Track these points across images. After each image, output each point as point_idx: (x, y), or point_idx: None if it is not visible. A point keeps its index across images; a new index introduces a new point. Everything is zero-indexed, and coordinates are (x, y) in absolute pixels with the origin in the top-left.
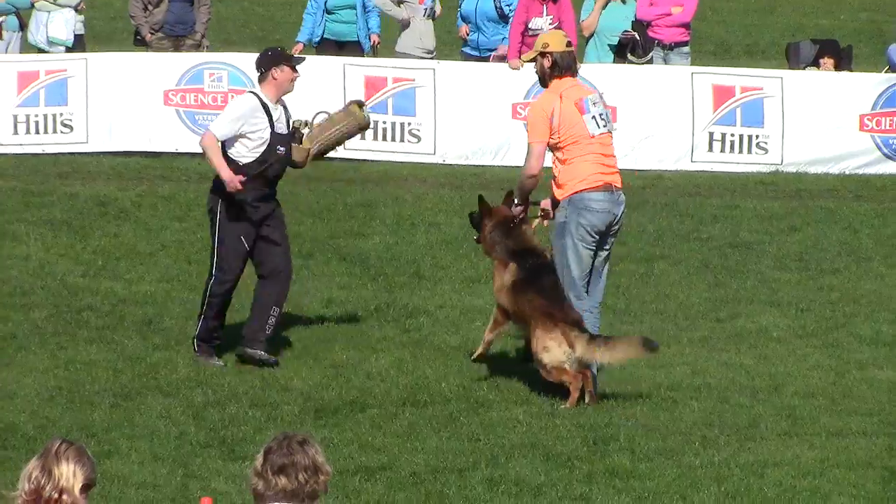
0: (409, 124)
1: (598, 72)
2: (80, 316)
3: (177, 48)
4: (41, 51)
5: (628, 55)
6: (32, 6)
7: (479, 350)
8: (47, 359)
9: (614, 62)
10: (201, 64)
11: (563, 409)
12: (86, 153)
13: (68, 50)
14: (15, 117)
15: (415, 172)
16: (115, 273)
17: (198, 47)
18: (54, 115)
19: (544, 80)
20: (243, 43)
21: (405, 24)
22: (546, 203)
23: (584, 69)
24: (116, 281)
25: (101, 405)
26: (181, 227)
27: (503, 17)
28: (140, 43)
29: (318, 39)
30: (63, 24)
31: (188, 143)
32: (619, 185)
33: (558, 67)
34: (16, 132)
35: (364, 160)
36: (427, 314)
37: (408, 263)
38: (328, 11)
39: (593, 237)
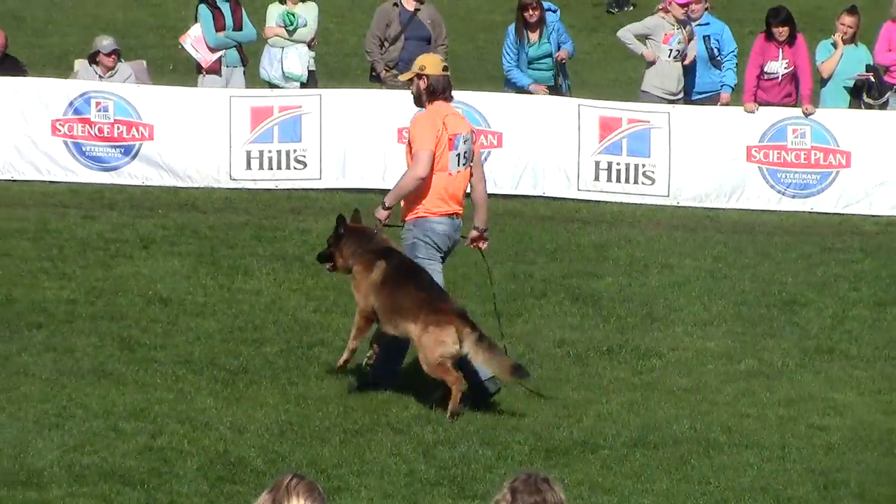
0: (644, 166)
1: (832, 117)
2: (312, 351)
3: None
4: (273, 86)
5: (864, 97)
6: (265, 41)
7: (344, 357)
8: (278, 394)
9: (850, 106)
10: None
11: (448, 411)
12: (319, 189)
13: (302, 86)
14: (248, 153)
15: (648, 214)
16: (346, 309)
17: None
18: (288, 152)
19: (420, 101)
20: (478, 81)
21: (650, 63)
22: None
23: (820, 113)
24: (348, 317)
25: (332, 441)
26: None
27: (713, 60)
28: (375, 79)
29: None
30: (297, 59)
31: None
32: (459, 215)
33: (433, 90)
34: (249, 167)
35: (598, 201)
36: (659, 356)
37: (640, 305)
38: (529, 63)
39: (436, 257)
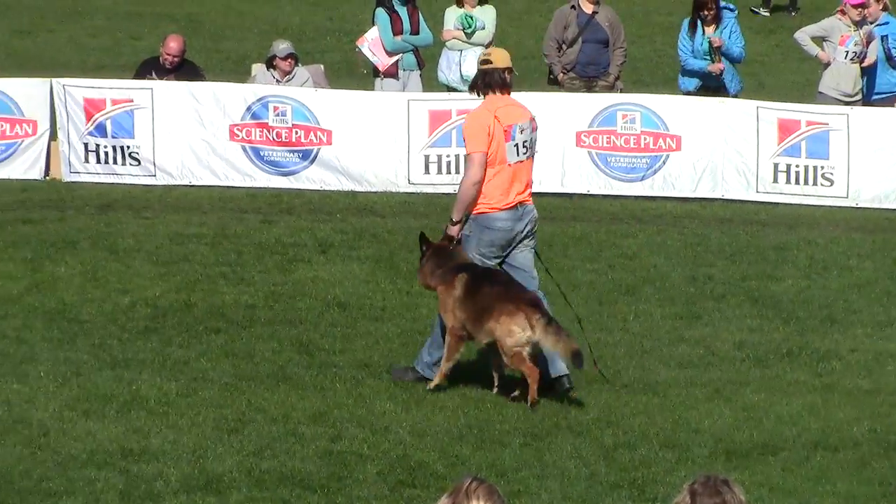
0: (822, 168)
1: None
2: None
3: (589, 89)
4: (451, 89)
5: None
6: (442, 44)
7: (435, 382)
8: (457, 397)
9: None
10: (614, 105)
11: (524, 402)
12: None
13: None
14: (427, 157)
15: (827, 216)
16: None
17: (611, 88)
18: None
19: (477, 91)
20: (655, 84)
21: (825, 65)
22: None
23: None
24: None
25: (511, 444)
26: (592, 267)
27: (890, 60)
28: (553, 82)
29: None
30: (475, 62)
31: (599, 184)
32: (526, 202)
33: (487, 83)
34: (427, 171)
35: (777, 203)
36: (839, 358)
37: (820, 307)
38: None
39: (495, 254)
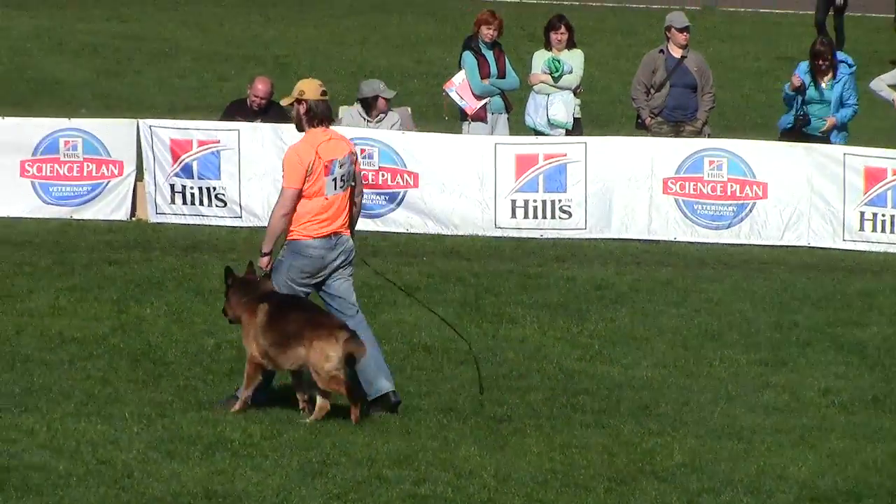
0: None
1: None
2: (576, 400)
3: (677, 133)
4: (538, 133)
5: None
6: (529, 88)
7: (237, 407)
8: (542, 442)
9: None
10: (701, 151)
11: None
12: (584, 239)
13: (567, 133)
14: (513, 202)
15: None
16: (611, 357)
17: (698, 134)
18: (553, 202)
19: (299, 126)
20: (743, 129)
21: None
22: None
23: None
24: (612, 365)
25: (596, 490)
26: (678, 312)
27: None
28: (641, 127)
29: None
30: (563, 106)
31: (686, 232)
32: (341, 232)
33: (313, 114)
34: (514, 216)
35: (863, 251)
36: None
37: None
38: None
39: (305, 281)
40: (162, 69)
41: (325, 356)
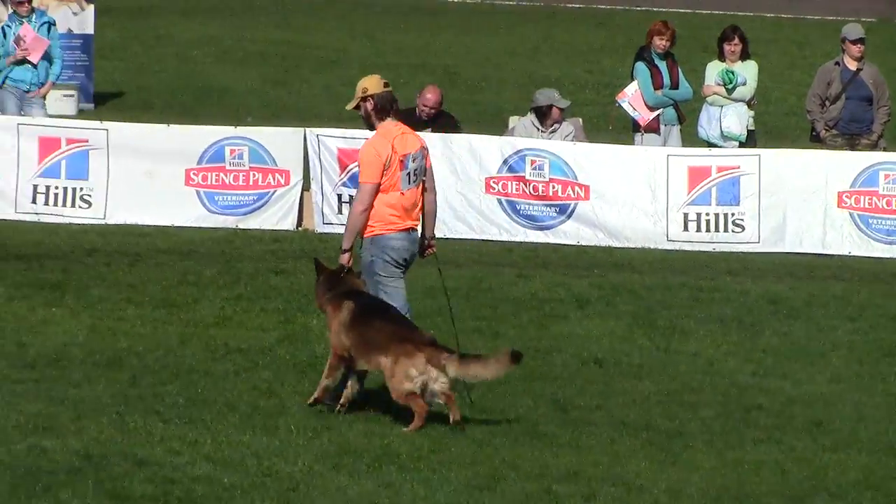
0: None
1: None
2: (749, 415)
3: (852, 146)
4: (711, 145)
5: None
6: (702, 99)
7: (316, 395)
8: (714, 458)
9: None
10: (876, 164)
11: (404, 432)
12: (757, 252)
13: (741, 145)
14: (685, 215)
15: None
16: (784, 372)
17: (873, 147)
18: (725, 215)
19: (370, 124)
20: None
21: None
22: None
23: None
24: (786, 380)
25: None
26: (853, 327)
27: None
28: (815, 139)
29: None
30: (736, 118)
31: (861, 247)
32: (415, 228)
33: (381, 108)
34: (686, 229)
35: None
36: None
37: None
38: None
39: (396, 274)
40: (329, 77)
41: (406, 375)
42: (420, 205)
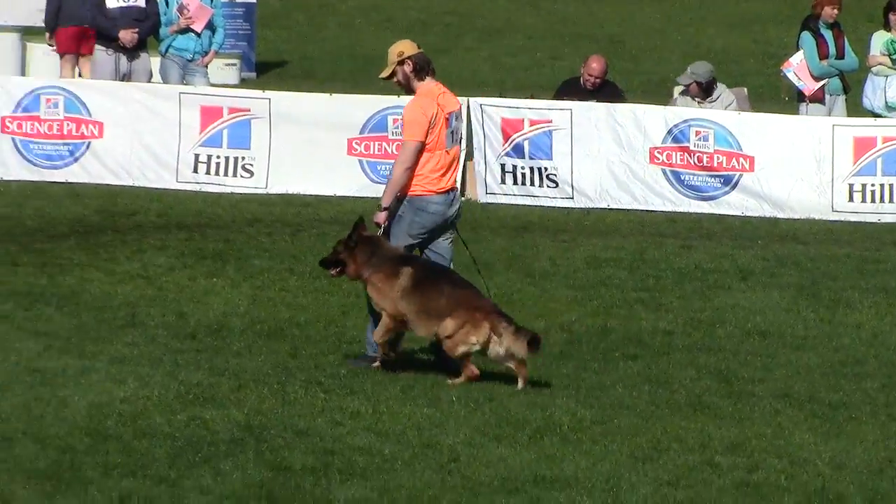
0: None
1: None
2: None
3: None
4: (875, 115)
5: None
6: (867, 69)
7: (380, 355)
8: (878, 429)
9: None
10: None
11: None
12: None
13: None
14: (851, 185)
15: None
16: None
17: None
18: (891, 185)
19: (410, 87)
20: None
21: None
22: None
23: None
24: None
25: None
26: None
27: None
28: None
29: None
30: None
31: None
32: (455, 188)
33: (420, 68)
34: (851, 199)
35: None
36: None
37: None
38: None
39: (423, 237)
40: (493, 47)
41: (465, 340)
42: (459, 165)
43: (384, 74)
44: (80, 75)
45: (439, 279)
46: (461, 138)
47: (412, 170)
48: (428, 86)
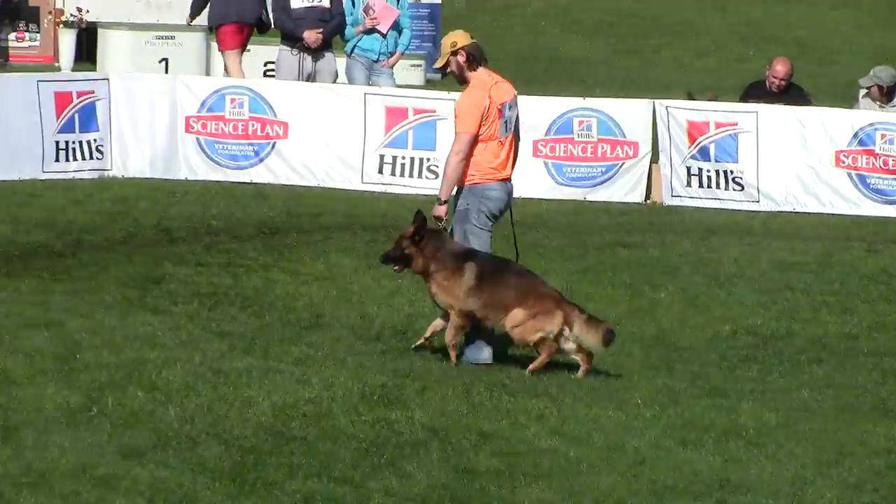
0: None
1: None
2: None
3: None
4: None
5: None
6: None
7: (453, 358)
8: None
9: None
10: None
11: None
12: None
13: None
14: None
15: None
16: None
17: None
18: None
19: (463, 77)
20: None
21: None
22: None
23: None
24: None
25: None
26: None
27: None
28: None
29: None
30: None
31: None
32: (509, 178)
33: (473, 59)
34: None
35: None
36: None
37: None
38: None
39: (489, 224)
40: (679, 49)
41: (536, 328)
42: (514, 154)
43: (438, 64)
44: (225, 69)
45: (503, 271)
46: (517, 126)
47: (466, 161)
48: (480, 76)
